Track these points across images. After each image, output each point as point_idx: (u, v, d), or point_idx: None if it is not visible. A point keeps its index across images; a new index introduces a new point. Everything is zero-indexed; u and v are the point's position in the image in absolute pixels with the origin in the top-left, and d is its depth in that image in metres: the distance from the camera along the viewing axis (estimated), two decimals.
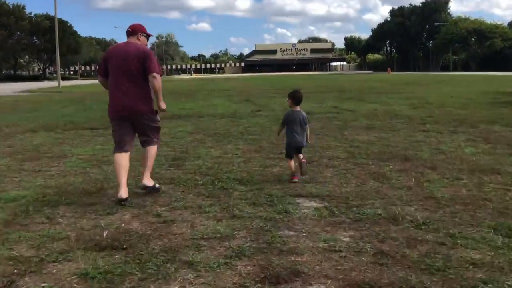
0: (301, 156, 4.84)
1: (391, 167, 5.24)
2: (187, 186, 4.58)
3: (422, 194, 4.08)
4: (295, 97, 4.87)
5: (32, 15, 67.03)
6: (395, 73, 71.92)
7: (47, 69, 79.54)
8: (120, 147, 4.25)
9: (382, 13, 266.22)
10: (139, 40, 4.31)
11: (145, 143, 4.35)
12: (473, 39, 75.37)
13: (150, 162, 4.36)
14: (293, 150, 4.80)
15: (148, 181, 4.29)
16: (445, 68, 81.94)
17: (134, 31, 4.33)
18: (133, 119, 4.20)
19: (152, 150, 4.37)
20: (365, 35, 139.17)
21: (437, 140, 7.11)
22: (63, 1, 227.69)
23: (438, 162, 5.44)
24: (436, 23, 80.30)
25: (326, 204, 3.84)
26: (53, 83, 45.59)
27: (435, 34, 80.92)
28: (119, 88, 4.13)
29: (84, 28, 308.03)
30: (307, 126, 4.90)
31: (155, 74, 4.09)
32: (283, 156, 5.84)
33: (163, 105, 4.28)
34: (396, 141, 7.02)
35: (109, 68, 4.19)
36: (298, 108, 4.87)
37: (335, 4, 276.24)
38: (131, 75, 4.09)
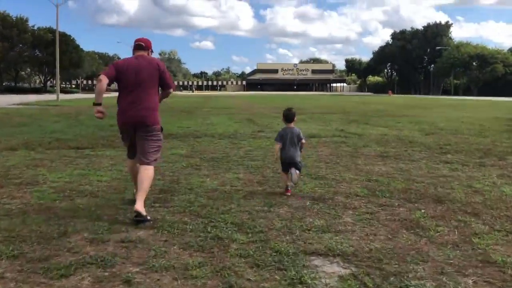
0: (297, 171, 4.95)
1: (423, 211, 4.31)
2: (172, 232, 3.64)
3: (476, 256, 3.15)
4: (285, 115, 5.13)
5: (35, 28, 66.65)
6: (396, 95, 71.46)
7: (48, 82, 78.93)
8: (131, 154, 4.43)
9: (382, 36, 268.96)
10: (149, 55, 4.40)
11: (142, 160, 4.23)
12: (474, 63, 75.16)
13: (146, 184, 4.12)
14: (287, 164, 4.97)
15: (141, 208, 3.89)
16: (446, 92, 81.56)
17: (147, 47, 4.40)
18: (137, 128, 4.20)
19: (149, 171, 4.19)
20: (365, 57, 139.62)
21: (466, 175, 6.20)
22: (69, 16, 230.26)
23: (477, 205, 4.52)
24: (438, 47, 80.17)
25: (354, 269, 2.90)
26: (53, 96, 44.77)
27: (437, 58, 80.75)
28: (130, 100, 4.16)
29: (88, 43, 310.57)
30: (302, 141, 5.07)
31: (172, 90, 4.48)
32: (291, 191, 4.96)
33: None
34: (420, 175, 6.11)
35: (121, 80, 4.19)
36: (291, 125, 5.09)
37: (336, 27, 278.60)
38: (143, 87, 4.16)
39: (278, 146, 5.00)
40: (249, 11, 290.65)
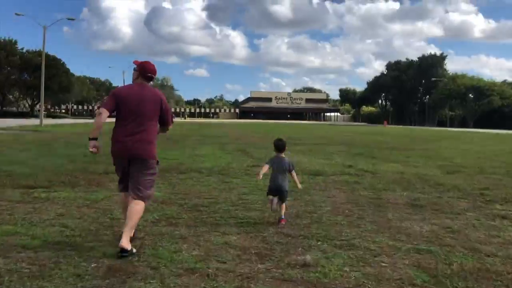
0: (282, 213, 4.92)
1: None
2: None
3: None
4: (276, 145, 5.11)
5: (24, 51, 65.26)
6: (392, 126, 70.45)
7: (37, 106, 77.04)
8: (124, 186, 4.08)
9: (375, 67, 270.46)
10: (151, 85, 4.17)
11: (135, 194, 3.95)
12: (470, 95, 74.76)
13: (134, 221, 3.87)
14: (273, 191, 4.92)
15: (126, 244, 3.67)
16: (441, 124, 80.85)
17: (152, 78, 4.14)
18: (132, 161, 3.97)
19: (139, 206, 3.93)
20: (358, 87, 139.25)
21: None
22: (63, 41, 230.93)
23: None
24: (433, 78, 79.88)
25: None
26: (38, 121, 42.97)
27: (432, 89, 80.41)
28: (128, 130, 3.92)
29: (82, 68, 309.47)
30: (294, 172, 5.02)
31: (170, 126, 4.26)
32: (309, 277, 3.20)
33: None
34: (482, 241, 4.38)
35: (120, 109, 3.94)
36: (282, 155, 5.07)
37: (330, 58, 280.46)
38: (143, 118, 3.94)
39: (266, 167, 5.02)
40: (243, 40, 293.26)
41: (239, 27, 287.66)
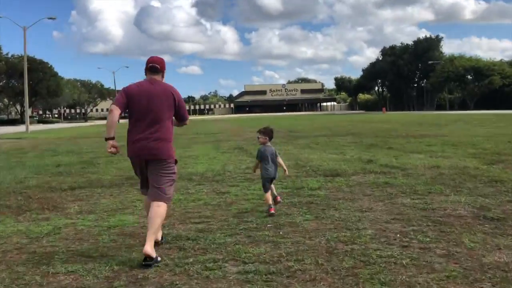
0: (275, 192, 5.12)
1: None
2: None
3: None
4: (271, 134, 5.11)
5: (9, 56, 62.85)
6: (390, 112, 68.73)
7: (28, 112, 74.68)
8: (144, 189, 3.92)
9: (367, 54, 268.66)
10: (163, 78, 3.94)
11: (154, 195, 3.74)
12: (469, 77, 72.87)
13: (156, 223, 3.65)
14: (267, 182, 4.98)
15: (150, 250, 3.45)
16: (440, 107, 79.12)
17: (161, 69, 3.91)
18: (149, 162, 3.77)
19: (161, 209, 3.71)
20: (352, 75, 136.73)
21: None
22: (53, 45, 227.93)
23: None
24: (430, 62, 77.84)
25: None
26: (29, 127, 40.94)
27: (430, 73, 78.44)
28: (141, 130, 3.73)
29: (73, 71, 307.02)
30: (279, 158, 5.06)
31: (187, 122, 4.10)
32: None
33: None
34: None
35: (131, 107, 3.76)
36: (269, 144, 5.07)
37: (322, 47, 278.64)
38: (156, 116, 3.73)
39: (258, 163, 5.06)
40: (234, 34, 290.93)
41: (230, 22, 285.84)
